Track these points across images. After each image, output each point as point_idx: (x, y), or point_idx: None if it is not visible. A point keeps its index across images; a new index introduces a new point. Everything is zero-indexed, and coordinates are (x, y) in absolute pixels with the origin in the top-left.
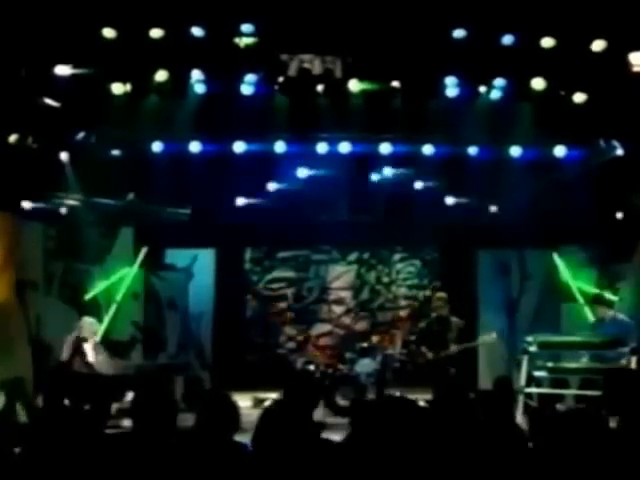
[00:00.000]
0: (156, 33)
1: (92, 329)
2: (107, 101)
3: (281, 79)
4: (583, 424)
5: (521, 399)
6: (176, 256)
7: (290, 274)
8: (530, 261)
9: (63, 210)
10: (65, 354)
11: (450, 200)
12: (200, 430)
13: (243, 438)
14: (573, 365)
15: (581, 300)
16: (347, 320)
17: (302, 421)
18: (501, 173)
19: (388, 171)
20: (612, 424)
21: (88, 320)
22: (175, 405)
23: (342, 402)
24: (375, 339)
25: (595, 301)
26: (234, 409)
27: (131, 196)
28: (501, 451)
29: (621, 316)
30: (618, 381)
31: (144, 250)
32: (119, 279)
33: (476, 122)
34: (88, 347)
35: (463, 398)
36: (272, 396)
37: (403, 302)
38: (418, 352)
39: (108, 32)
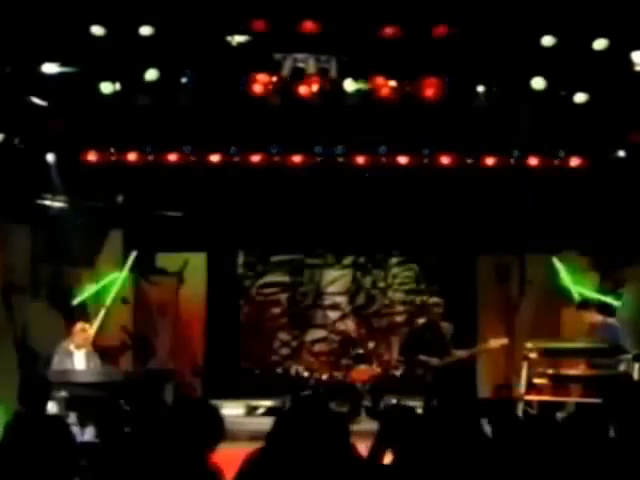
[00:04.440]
0: (146, 30)
1: (82, 333)
2: (96, 100)
3: (275, 79)
4: (583, 432)
5: (521, 407)
6: (167, 260)
7: (284, 278)
8: (530, 266)
9: (50, 212)
10: (55, 363)
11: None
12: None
13: (236, 447)
14: (574, 372)
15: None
16: (342, 326)
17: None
18: (501, 176)
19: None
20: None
21: (80, 326)
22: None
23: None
24: (371, 345)
25: (581, 307)
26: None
27: (120, 198)
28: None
29: (610, 320)
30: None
31: (134, 254)
32: (108, 283)
33: (474, 125)
34: (80, 355)
35: (468, 406)
36: (265, 404)
37: (400, 308)
38: (417, 360)
39: (97, 29)
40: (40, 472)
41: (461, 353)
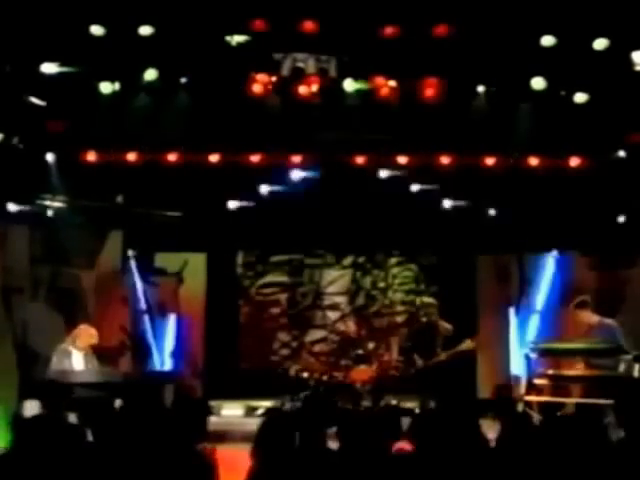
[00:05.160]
0: (145, 30)
1: (88, 338)
2: (95, 100)
3: (274, 79)
4: (582, 433)
5: (521, 407)
6: (166, 260)
7: (283, 279)
8: (530, 266)
9: (50, 213)
10: (53, 364)
11: (448, 204)
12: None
13: (236, 447)
14: (574, 372)
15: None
16: (342, 326)
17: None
18: (502, 177)
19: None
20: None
21: (85, 328)
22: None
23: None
24: (371, 346)
25: (578, 307)
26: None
27: (120, 198)
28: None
29: (607, 320)
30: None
31: (133, 254)
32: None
33: (474, 125)
34: (79, 356)
35: (458, 406)
36: (265, 404)
37: (399, 308)
38: (410, 360)
39: (96, 29)
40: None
41: (443, 355)
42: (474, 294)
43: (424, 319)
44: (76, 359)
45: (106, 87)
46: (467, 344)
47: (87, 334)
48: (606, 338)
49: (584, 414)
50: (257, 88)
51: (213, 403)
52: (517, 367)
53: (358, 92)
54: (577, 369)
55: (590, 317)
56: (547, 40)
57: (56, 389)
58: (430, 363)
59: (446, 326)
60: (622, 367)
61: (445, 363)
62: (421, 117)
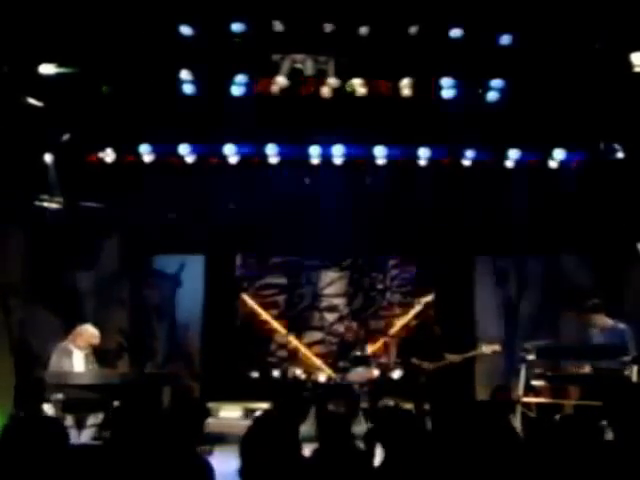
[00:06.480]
0: (144, 31)
1: (90, 338)
2: (93, 101)
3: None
4: (579, 434)
5: (519, 409)
6: (164, 262)
7: (281, 280)
8: (529, 267)
9: (48, 214)
10: (53, 363)
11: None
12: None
13: (234, 449)
14: (572, 374)
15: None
16: (340, 328)
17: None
18: (499, 177)
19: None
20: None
21: (87, 328)
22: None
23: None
24: (369, 347)
25: (591, 310)
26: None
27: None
28: (498, 460)
29: (621, 325)
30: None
31: (131, 255)
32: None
33: (473, 124)
34: (79, 356)
35: (460, 409)
36: (263, 406)
37: (398, 310)
38: (411, 363)
39: (95, 30)
40: (35, 472)
41: (454, 357)
42: (472, 295)
43: (415, 322)
44: (76, 359)
45: (104, 88)
46: (487, 348)
47: (89, 333)
48: (618, 341)
49: (582, 416)
50: (257, 88)
51: (211, 405)
52: (515, 369)
53: (354, 92)
54: (576, 370)
55: (605, 320)
56: (546, 41)
57: (36, 389)
58: (438, 365)
59: (438, 328)
60: (621, 368)
61: (457, 366)
62: (421, 117)
